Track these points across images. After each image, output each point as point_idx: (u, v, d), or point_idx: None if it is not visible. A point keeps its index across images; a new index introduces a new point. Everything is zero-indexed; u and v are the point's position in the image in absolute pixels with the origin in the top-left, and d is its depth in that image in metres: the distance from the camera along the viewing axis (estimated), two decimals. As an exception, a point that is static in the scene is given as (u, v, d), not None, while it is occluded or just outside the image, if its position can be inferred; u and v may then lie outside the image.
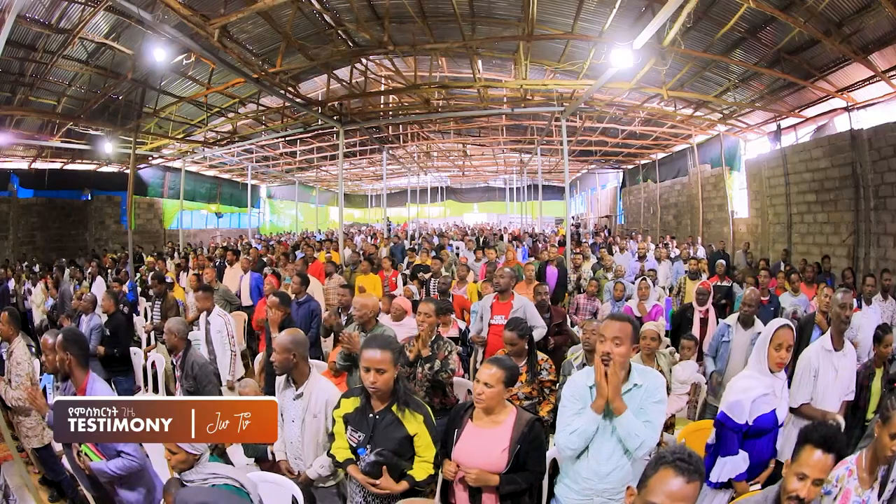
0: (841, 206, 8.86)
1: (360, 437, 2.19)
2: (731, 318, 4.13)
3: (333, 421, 2.34)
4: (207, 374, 3.51)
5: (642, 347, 3.47)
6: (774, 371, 2.41)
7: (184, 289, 6.97)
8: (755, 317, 4.06)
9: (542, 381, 3.21)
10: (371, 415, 2.20)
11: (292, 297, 5.15)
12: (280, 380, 2.69)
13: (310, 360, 4.60)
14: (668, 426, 3.53)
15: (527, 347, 3.23)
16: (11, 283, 9.00)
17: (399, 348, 2.26)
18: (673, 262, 8.71)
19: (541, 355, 3.34)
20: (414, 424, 2.16)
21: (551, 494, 2.33)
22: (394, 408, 2.18)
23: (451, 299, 5.62)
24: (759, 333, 3.78)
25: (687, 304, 5.13)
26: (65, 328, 2.64)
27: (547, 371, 3.24)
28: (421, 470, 2.16)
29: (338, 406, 2.33)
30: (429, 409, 2.24)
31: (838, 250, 8.92)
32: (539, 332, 4.20)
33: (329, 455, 2.37)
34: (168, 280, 7.27)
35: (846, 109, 8.64)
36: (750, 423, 2.32)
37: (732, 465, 2.33)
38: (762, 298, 5.49)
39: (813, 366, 2.98)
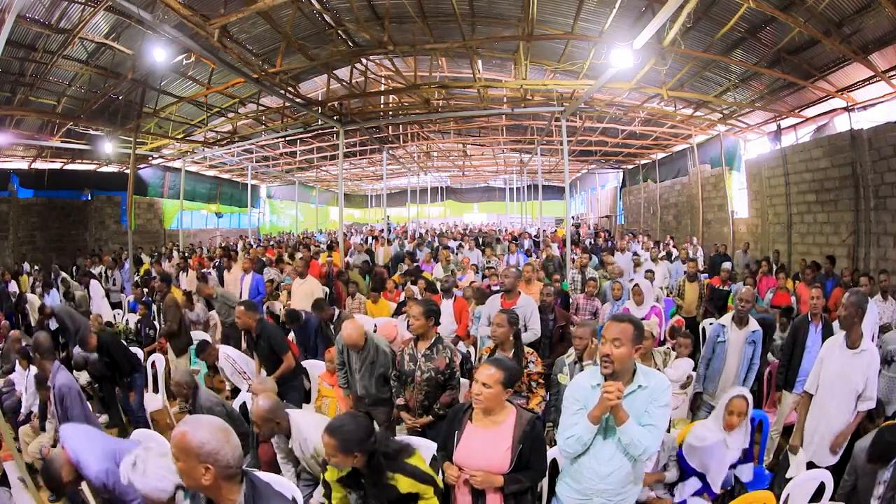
0: (841, 206, 8.86)
1: (355, 497, 2.23)
2: (725, 318, 4.07)
3: (325, 482, 2.31)
4: (218, 416, 3.54)
5: None
6: (728, 430, 2.85)
7: (183, 291, 6.97)
8: (750, 316, 4.02)
9: (530, 374, 3.23)
10: (361, 479, 2.17)
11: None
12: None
13: (310, 360, 4.65)
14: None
15: (513, 340, 3.25)
16: (13, 286, 8.94)
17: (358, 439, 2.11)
18: (672, 262, 8.72)
19: (527, 349, 3.35)
20: (404, 483, 2.11)
21: (552, 493, 2.34)
22: (374, 474, 2.14)
23: (453, 300, 5.60)
24: (755, 332, 3.82)
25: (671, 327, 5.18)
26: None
27: (533, 363, 3.26)
28: None
29: (326, 470, 2.28)
30: (405, 463, 2.15)
31: (838, 250, 8.92)
32: (530, 335, 4.20)
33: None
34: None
35: (846, 109, 8.64)
36: (696, 469, 2.82)
37: (690, 486, 2.80)
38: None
39: (821, 354, 3.09)
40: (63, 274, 8.80)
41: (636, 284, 5.43)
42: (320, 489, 2.74)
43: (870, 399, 2.97)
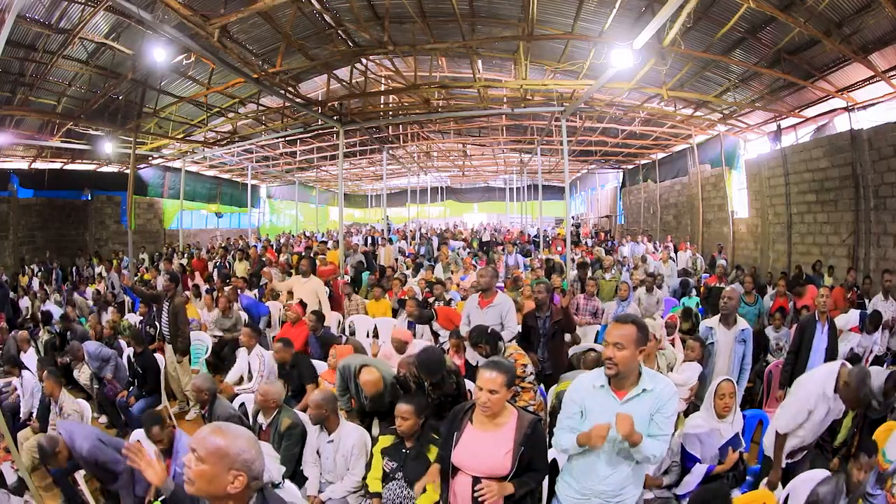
0: (841, 206, 8.86)
1: (393, 465, 2.68)
2: (713, 320, 4.02)
3: (371, 455, 2.84)
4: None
5: None
6: (722, 416, 2.90)
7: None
8: (738, 315, 3.99)
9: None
10: (404, 450, 2.71)
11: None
12: (315, 426, 3.15)
13: (312, 361, 4.68)
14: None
15: (488, 349, 3.28)
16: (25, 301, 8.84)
17: (423, 405, 2.76)
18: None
19: (510, 350, 3.35)
20: (433, 453, 2.62)
21: (552, 493, 2.34)
22: (420, 445, 2.71)
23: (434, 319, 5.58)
24: (744, 330, 3.82)
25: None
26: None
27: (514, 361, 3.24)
28: (427, 499, 2.49)
29: (376, 441, 2.82)
30: (437, 439, 2.56)
31: (838, 250, 8.92)
32: (506, 334, 4.13)
33: (363, 482, 2.83)
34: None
35: (846, 109, 8.63)
36: (697, 457, 2.83)
37: (696, 474, 2.79)
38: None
39: (810, 404, 2.88)
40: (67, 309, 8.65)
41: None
42: (330, 493, 2.93)
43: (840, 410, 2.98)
